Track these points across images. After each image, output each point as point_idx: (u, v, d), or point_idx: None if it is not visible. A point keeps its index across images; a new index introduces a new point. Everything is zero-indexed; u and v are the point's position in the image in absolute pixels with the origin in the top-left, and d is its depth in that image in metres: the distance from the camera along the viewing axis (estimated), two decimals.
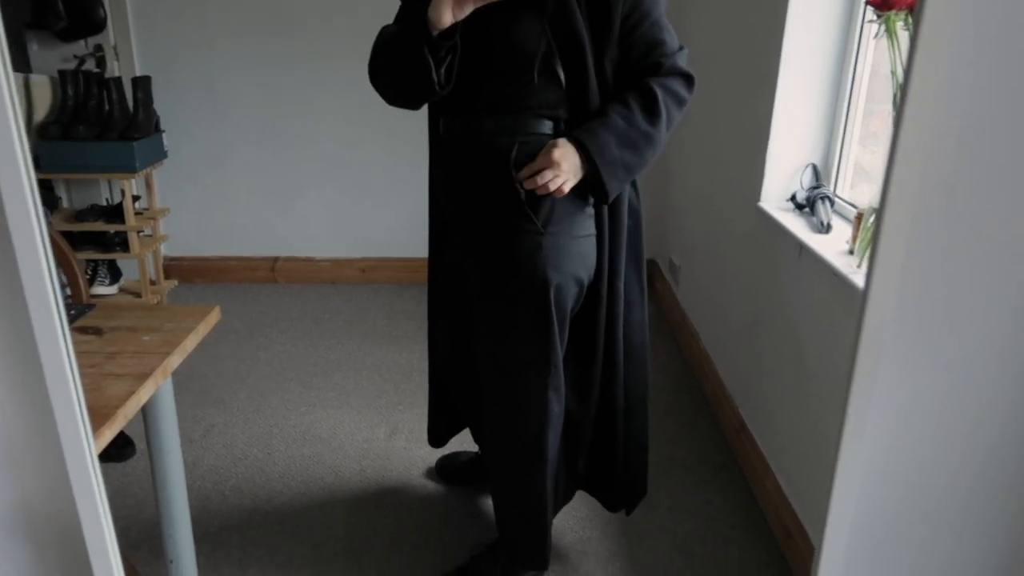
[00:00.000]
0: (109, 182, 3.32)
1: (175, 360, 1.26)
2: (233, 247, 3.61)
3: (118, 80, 3.03)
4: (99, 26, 3.11)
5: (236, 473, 2.15)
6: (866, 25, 1.88)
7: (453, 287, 1.71)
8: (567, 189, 1.40)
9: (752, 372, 2.18)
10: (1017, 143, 0.89)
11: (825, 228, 1.82)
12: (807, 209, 1.97)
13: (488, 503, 2.00)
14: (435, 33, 1.31)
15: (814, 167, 2.05)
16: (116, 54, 3.23)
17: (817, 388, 1.74)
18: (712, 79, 2.59)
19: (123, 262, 3.31)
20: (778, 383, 1.97)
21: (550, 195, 1.41)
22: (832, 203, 1.92)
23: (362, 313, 3.28)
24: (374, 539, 1.89)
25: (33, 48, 3.13)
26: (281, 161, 3.47)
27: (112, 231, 3.10)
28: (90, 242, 3.11)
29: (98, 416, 1.04)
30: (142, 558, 1.80)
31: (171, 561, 1.49)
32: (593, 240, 1.51)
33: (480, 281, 1.53)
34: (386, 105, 1.52)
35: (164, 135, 3.25)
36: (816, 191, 1.95)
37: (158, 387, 1.22)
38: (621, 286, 1.56)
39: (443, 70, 1.37)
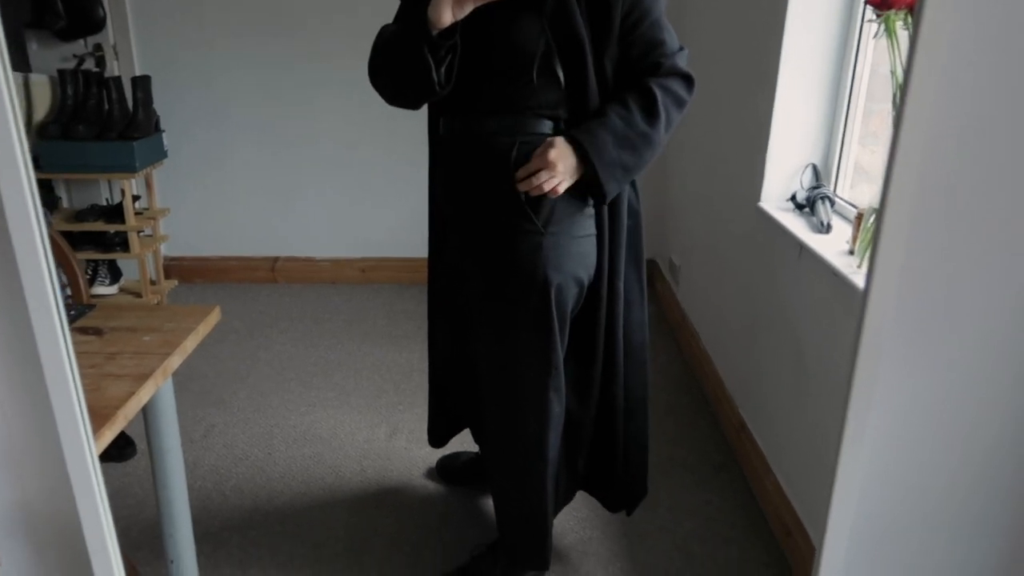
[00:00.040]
0: (109, 182, 3.32)
1: (175, 361, 1.26)
2: (233, 247, 3.61)
3: (118, 80, 3.03)
4: (98, 25, 3.11)
5: (236, 473, 2.15)
6: (866, 25, 1.88)
7: (453, 287, 1.71)
8: (562, 190, 1.40)
9: (752, 372, 2.18)
10: (1016, 143, 0.89)
11: (825, 228, 1.82)
12: (807, 209, 1.97)
13: (488, 504, 2.00)
14: (435, 33, 1.31)
15: (814, 167, 2.05)
16: (116, 53, 3.23)
17: (817, 388, 1.74)
18: (712, 79, 2.59)
19: (123, 262, 3.31)
20: (778, 383, 1.97)
21: (549, 195, 1.41)
22: (832, 203, 1.92)
23: (362, 313, 3.28)
24: (375, 539, 1.89)
25: (32, 47, 3.13)
26: (281, 161, 3.47)
27: (112, 231, 3.10)
28: (90, 242, 3.11)
29: (98, 417, 1.04)
30: (143, 558, 1.80)
31: (172, 561, 1.50)
32: (593, 240, 1.51)
33: (480, 282, 1.53)
34: (386, 105, 1.52)
35: (164, 135, 3.25)
36: (816, 191, 1.95)
37: (158, 388, 1.22)
38: (621, 286, 1.56)
39: (443, 70, 1.37)
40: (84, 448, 0.88)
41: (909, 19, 1.43)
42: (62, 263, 1.76)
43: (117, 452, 2.18)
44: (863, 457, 1.00)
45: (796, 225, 1.90)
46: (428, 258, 1.75)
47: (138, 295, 3.19)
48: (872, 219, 1.55)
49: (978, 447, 1.02)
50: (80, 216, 3.06)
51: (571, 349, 1.58)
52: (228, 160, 3.46)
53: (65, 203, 3.33)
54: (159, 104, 3.23)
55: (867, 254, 1.49)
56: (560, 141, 1.39)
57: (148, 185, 3.24)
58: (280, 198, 3.53)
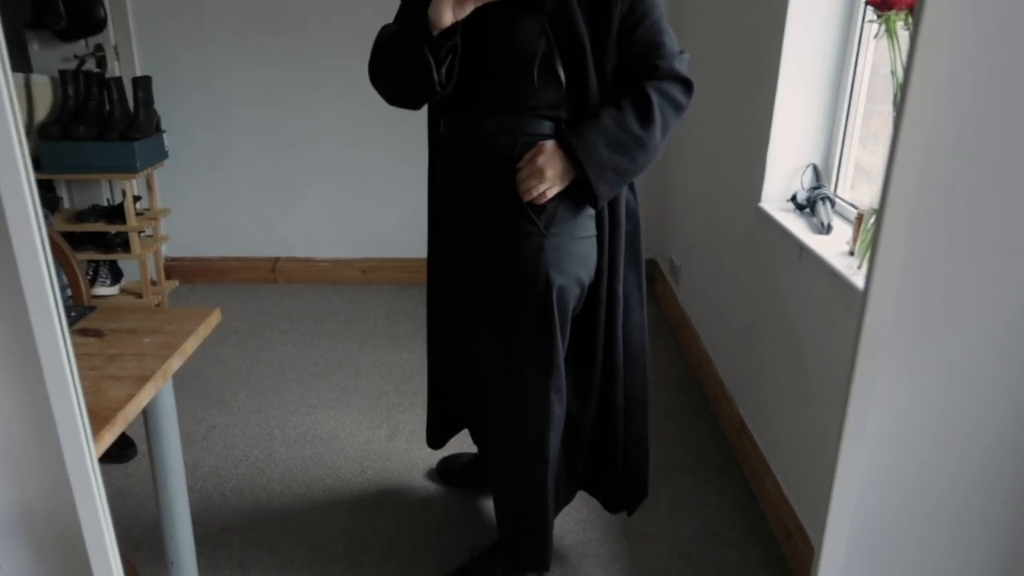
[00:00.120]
0: (110, 182, 3.32)
1: (175, 363, 1.26)
2: (234, 247, 3.62)
3: (119, 80, 3.03)
4: (99, 26, 3.11)
5: (237, 474, 2.15)
6: (866, 25, 1.88)
7: (453, 287, 1.71)
8: (550, 195, 1.40)
9: (752, 373, 2.18)
10: (1017, 143, 0.89)
11: (825, 229, 1.82)
12: (807, 210, 1.97)
13: (488, 505, 2.00)
14: (435, 33, 1.31)
15: (814, 167, 2.05)
16: (117, 54, 3.23)
17: (817, 389, 1.73)
18: (712, 79, 2.59)
19: (124, 263, 3.31)
20: (778, 384, 1.97)
21: (537, 199, 1.41)
22: (832, 204, 1.92)
23: (362, 314, 3.28)
24: (374, 540, 1.89)
25: (34, 48, 3.13)
26: (281, 161, 3.47)
27: (113, 232, 3.10)
28: (91, 242, 3.11)
29: (98, 419, 1.04)
30: (143, 559, 1.80)
31: (172, 563, 1.50)
32: (594, 241, 1.51)
33: (482, 283, 1.53)
34: (386, 105, 1.52)
35: (165, 135, 3.25)
36: (816, 192, 1.95)
37: (158, 390, 1.22)
38: (620, 288, 1.56)
39: (443, 70, 1.37)
40: (84, 450, 0.88)
41: (909, 19, 1.43)
42: (63, 264, 1.76)
43: (118, 453, 2.18)
44: (862, 457, 1.00)
45: (796, 226, 1.90)
46: (427, 258, 1.75)
47: (139, 296, 3.20)
48: (872, 220, 1.55)
49: (978, 447, 1.02)
50: (81, 217, 3.06)
51: (571, 350, 1.58)
52: (229, 160, 3.46)
53: (66, 203, 3.33)
54: (160, 104, 3.23)
55: (867, 255, 1.49)
56: (549, 145, 1.39)
57: (149, 185, 3.24)
58: (280, 198, 3.53)
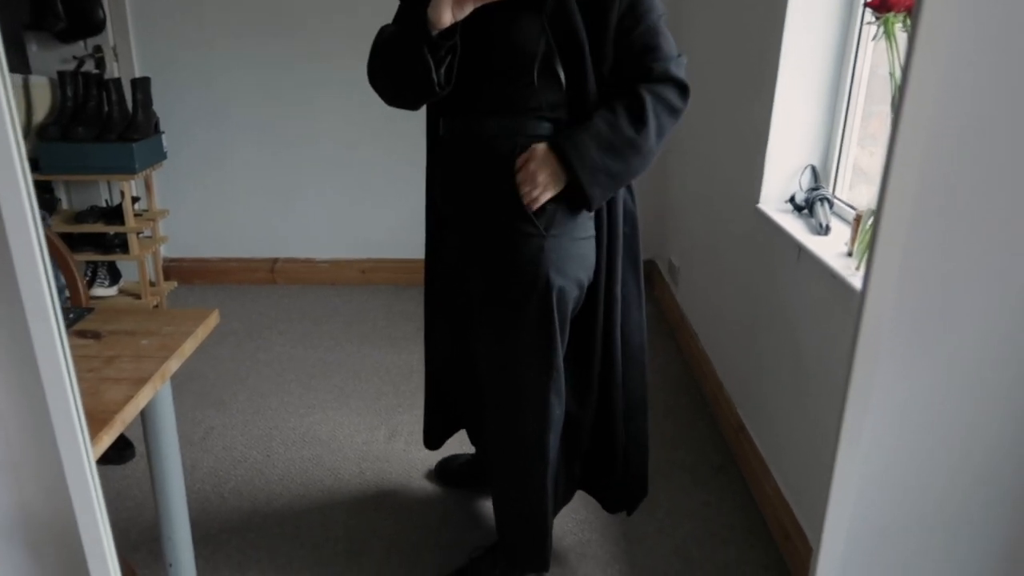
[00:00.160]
0: (109, 183, 3.32)
1: (173, 364, 1.26)
2: (233, 248, 3.61)
3: (117, 81, 3.03)
4: (98, 27, 3.11)
5: (235, 475, 2.15)
6: (865, 27, 1.88)
7: (452, 287, 1.70)
8: (544, 200, 1.40)
9: (751, 373, 2.18)
10: (1014, 144, 0.89)
11: (824, 230, 1.82)
12: (806, 211, 1.97)
13: (487, 506, 2.00)
14: (435, 33, 1.31)
15: (813, 168, 2.05)
16: (115, 55, 3.23)
17: (816, 389, 1.74)
18: (711, 80, 2.59)
19: (123, 263, 3.31)
20: (777, 384, 1.97)
21: (530, 204, 1.41)
22: (831, 205, 1.92)
23: (361, 314, 3.28)
24: (373, 541, 1.89)
25: (32, 49, 3.13)
26: (281, 162, 3.47)
27: (112, 232, 3.10)
28: (90, 243, 3.11)
29: (96, 421, 1.04)
30: (141, 560, 1.80)
31: (170, 564, 1.49)
32: (593, 242, 1.51)
33: (482, 284, 1.53)
34: (385, 106, 1.52)
35: (163, 136, 3.25)
36: (815, 193, 1.95)
37: (156, 392, 1.22)
38: (618, 288, 1.56)
39: (443, 70, 1.37)
40: (81, 452, 0.87)
41: (908, 21, 1.43)
42: (60, 265, 1.76)
43: (116, 454, 2.18)
44: (860, 457, 1.00)
45: (795, 227, 1.90)
46: (425, 258, 1.75)
47: (138, 297, 3.19)
48: (871, 221, 1.55)
49: (976, 448, 1.02)
50: (80, 218, 3.06)
51: (570, 350, 1.58)
52: (227, 161, 3.46)
53: (65, 205, 3.33)
54: (158, 105, 3.23)
55: (866, 256, 1.49)
56: (540, 149, 1.39)
57: (147, 186, 3.24)
58: (279, 199, 3.53)
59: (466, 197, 1.52)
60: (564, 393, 1.56)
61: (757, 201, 2.12)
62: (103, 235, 3.11)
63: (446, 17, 1.30)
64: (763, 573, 1.79)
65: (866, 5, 1.54)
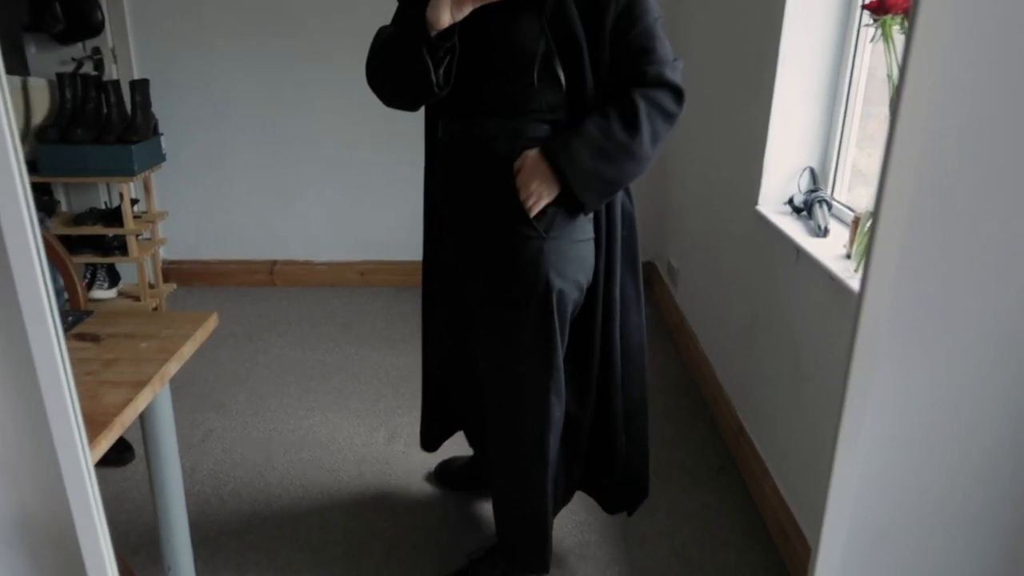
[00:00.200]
0: (108, 185, 3.32)
1: (172, 367, 1.26)
2: (232, 250, 3.61)
3: (116, 83, 3.03)
4: (97, 29, 3.11)
5: (235, 477, 2.15)
6: (862, 29, 1.88)
7: (451, 289, 1.70)
8: (539, 207, 1.40)
9: (750, 375, 2.18)
10: (1012, 145, 0.89)
11: (822, 232, 1.82)
12: (804, 213, 1.97)
13: (486, 508, 2.00)
14: (434, 34, 1.31)
15: (811, 170, 2.06)
16: (114, 57, 3.23)
17: (815, 391, 1.74)
18: (710, 82, 2.59)
19: (122, 266, 3.31)
20: (776, 386, 1.97)
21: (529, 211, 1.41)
22: (830, 207, 1.92)
23: (361, 316, 3.28)
24: (373, 543, 1.89)
25: (31, 51, 3.13)
26: (280, 163, 3.47)
27: (111, 235, 3.10)
28: (89, 246, 3.11)
29: (95, 424, 1.04)
30: (140, 563, 1.80)
31: (169, 567, 1.49)
32: (592, 244, 1.51)
33: (482, 286, 1.53)
34: (385, 107, 1.52)
35: (162, 138, 3.25)
36: (813, 195, 1.95)
37: (155, 395, 1.22)
38: (617, 290, 1.56)
39: (442, 71, 1.37)
40: (79, 456, 0.87)
41: (905, 23, 1.44)
42: (59, 268, 1.76)
43: (115, 457, 2.18)
44: (858, 459, 1.00)
45: (793, 229, 1.90)
46: (423, 259, 1.74)
47: (137, 299, 3.19)
48: (869, 223, 1.55)
49: (974, 449, 1.02)
50: (79, 220, 3.06)
51: (569, 352, 1.58)
52: (226, 163, 3.46)
53: (64, 207, 3.32)
54: (157, 107, 3.23)
55: (864, 258, 1.49)
56: (531, 157, 1.39)
57: (146, 188, 3.24)
58: (278, 201, 3.53)
59: (466, 199, 1.52)
60: (564, 394, 1.56)
61: (756, 203, 2.12)
62: (102, 237, 3.11)
63: (445, 18, 1.29)
64: (762, 574, 1.79)
65: (864, 7, 1.54)
